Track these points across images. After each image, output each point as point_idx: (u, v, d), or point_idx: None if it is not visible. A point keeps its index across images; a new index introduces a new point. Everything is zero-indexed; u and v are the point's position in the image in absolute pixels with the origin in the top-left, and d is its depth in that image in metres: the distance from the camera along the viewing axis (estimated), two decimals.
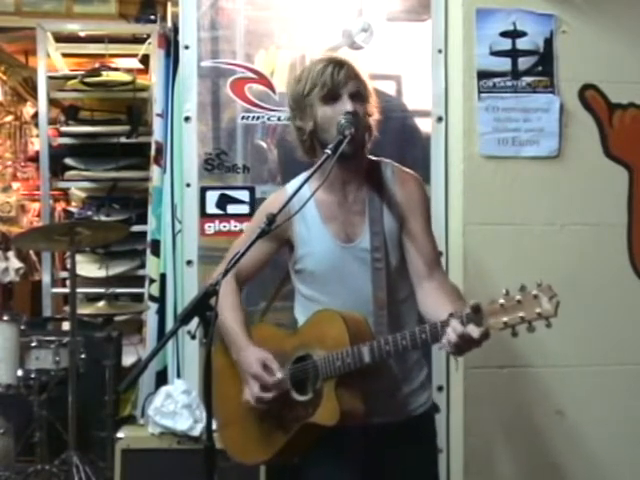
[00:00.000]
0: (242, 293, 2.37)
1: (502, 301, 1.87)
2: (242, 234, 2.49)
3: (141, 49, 4.80)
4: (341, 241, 2.22)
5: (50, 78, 4.74)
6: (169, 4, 4.48)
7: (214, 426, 1.92)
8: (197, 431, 3.18)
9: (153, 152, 3.87)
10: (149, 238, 3.86)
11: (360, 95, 2.18)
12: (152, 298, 3.75)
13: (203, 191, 3.36)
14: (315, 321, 2.19)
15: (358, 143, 2.17)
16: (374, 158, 2.31)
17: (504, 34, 3.26)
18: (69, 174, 4.86)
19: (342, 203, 2.24)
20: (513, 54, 3.27)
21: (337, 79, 2.15)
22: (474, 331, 1.89)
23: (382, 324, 2.16)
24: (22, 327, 3.55)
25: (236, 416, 2.29)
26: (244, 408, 2.25)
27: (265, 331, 2.33)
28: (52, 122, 4.89)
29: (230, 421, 2.32)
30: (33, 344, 3.53)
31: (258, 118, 3.39)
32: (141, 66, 4.97)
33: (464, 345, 1.92)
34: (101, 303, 3.88)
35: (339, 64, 2.18)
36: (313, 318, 2.20)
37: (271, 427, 2.22)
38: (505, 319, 1.86)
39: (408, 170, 2.33)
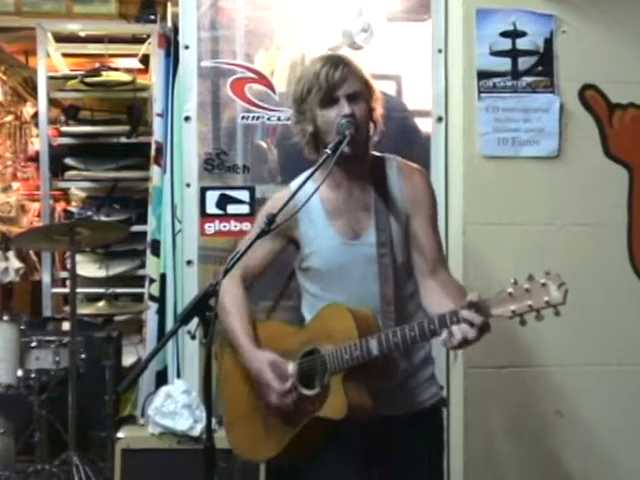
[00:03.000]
0: (249, 292, 2.34)
1: (510, 290, 1.87)
2: (246, 233, 2.47)
3: (141, 49, 4.81)
4: (347, 238, 2.21)
5: (50, 78, 4.75)
6: (169, 4, 4.47)
7: (213, 426, 1.92)
8: (197, 431, 3.18)
9: (153, 152, 3.87)
10: (149, 238, 3.87)
11: (358, 94, 2.16)
12: (152, 298, 3.75)
13: (203, 191, 3.36)
14: (323, 316, 2.18)
15: (359, 143, 2.16)
16: (378, 154, 2.29)
17: (504, 34, 3.26)
18: (69, 174, 4.87)
19: (347, 200, 2.23)
20: (513, 54, 3.26)
21: (332, 81, 2.13)
22: (475, 318, 1.89)
23: (390, 319, 2.15)
24: (22, 327, 3.55)
25: (244, 414, 2.29)
26: (251, 406, 2.25)
27: (272, 329, 2.32)
28: (52, 122, 4.89)
29: (238, 420, 2.32)
30: (33, 344, 3.53)
31: (258, 118, 3.38)
32: (141, 66, 4.98)
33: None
34: (101, 303, 3.89)
35: (334, 65, 2.15)
36: (321, 313, 2.19)
37: (279, 423, 2.20)
38: (513, 307, 1.86)
39: (413, 164, 2.32)
